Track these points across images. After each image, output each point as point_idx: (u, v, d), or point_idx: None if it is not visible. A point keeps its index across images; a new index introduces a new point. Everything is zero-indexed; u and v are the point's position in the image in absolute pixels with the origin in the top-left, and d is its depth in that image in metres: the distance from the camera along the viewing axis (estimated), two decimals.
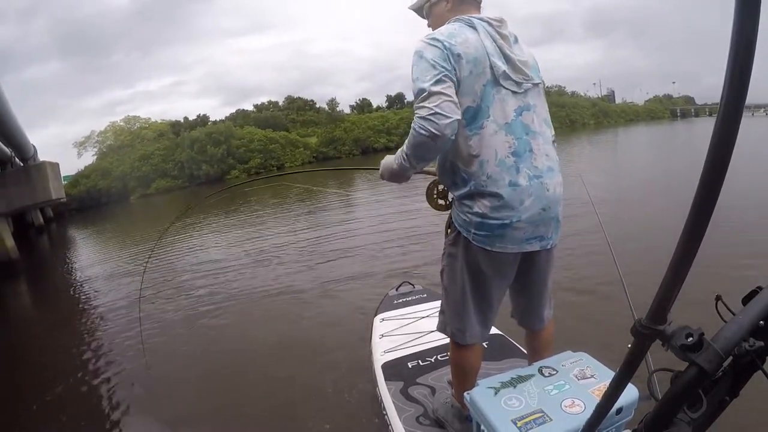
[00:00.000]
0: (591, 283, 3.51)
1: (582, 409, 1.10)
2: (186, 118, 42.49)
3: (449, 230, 1.35)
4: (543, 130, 1.28)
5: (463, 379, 1.40)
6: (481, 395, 1.19)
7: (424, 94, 1.11)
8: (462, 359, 1.41)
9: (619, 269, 1.46)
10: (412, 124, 1.13)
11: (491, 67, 1.18)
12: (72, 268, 9.06)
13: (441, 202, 1.53)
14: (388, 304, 2.61)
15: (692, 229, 0.43)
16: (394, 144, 34.73)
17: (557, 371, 1.26)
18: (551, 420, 1.07)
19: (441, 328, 1.44)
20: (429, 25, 1.38)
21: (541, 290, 1.42)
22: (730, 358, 0.51)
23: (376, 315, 2.50)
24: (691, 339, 0.48)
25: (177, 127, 39.20)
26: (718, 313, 0.57)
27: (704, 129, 23.74)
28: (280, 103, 46.08)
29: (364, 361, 2.31)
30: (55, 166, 11.57)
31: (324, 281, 4.62)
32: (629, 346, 0.53)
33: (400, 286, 2.86)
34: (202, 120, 41.45)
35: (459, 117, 1.12)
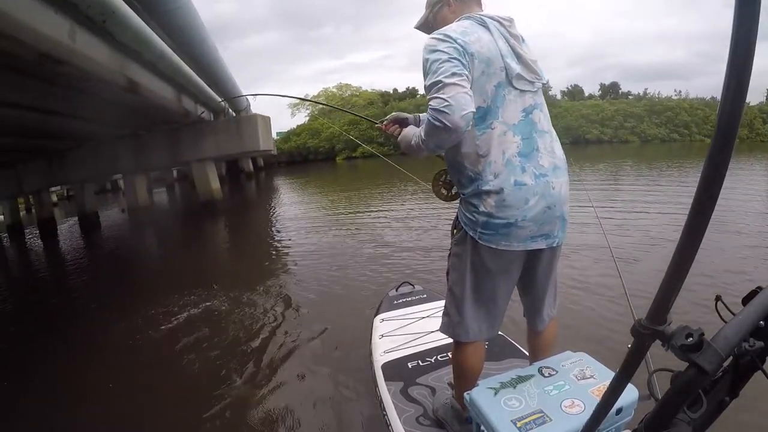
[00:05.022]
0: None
1: (582, 409, 1.10)
2: (395, 90, 42.90)
3: (455, 230, 1.35)
4: (549, 128, 1.29)
5: (465, 380, 1.39)
6: (481, 395, 1.19)
7: (439, 85, 1.09)
8: (464, 359, 1.40)
9: (619, 270, 1.46)
10: (427, 115, 1.12)
11: (505, 69, 1.19)
12: (265, 208, 11.65)
13: (443, 191, 1.51)
14: (388, 304, 2.61)
15: (691, 229, 0.43)
16: (607, 137, 33.10)
17: (557, 371, 1.26)
18: (551, 420, 1.08)
19: (444, 329, 1.42)
20: None
21: (545, 288, 1.42)
22: (730, 358, 0.51)
23: (376, 315, 2.49)
24: (691, 339, 0.48)
25: (386, 97, 40.38)
26: (718, 313, 0.57)
27: None
28: None
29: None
30: (267, 120, 11.54)
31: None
32: (629, 346, 0.53)
33: (400, 286, 2.85)
34: (411, 93, 41.43)
35: (473, 109, 1.10)
